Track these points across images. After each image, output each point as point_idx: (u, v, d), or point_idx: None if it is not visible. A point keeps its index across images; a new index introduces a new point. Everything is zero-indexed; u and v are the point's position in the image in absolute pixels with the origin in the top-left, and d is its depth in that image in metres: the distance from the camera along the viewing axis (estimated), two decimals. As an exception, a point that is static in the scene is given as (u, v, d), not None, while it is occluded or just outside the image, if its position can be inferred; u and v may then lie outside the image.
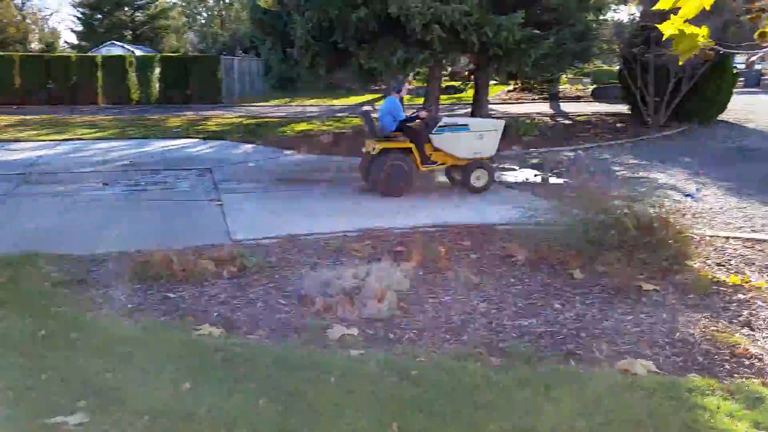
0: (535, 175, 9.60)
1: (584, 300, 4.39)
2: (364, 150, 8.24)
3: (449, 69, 25.67)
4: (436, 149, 8.04)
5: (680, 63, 3.45)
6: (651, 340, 3.73)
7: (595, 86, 26.91)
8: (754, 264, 5.20)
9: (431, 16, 9.99)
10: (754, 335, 3.83)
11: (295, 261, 5.16)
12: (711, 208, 7.29)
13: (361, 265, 4.71)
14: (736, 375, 3.33)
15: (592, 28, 13.34)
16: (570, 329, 3.88)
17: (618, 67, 22.13)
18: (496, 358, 3.49)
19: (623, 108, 17.88)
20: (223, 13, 42.46)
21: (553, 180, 9.23)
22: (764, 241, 5.88)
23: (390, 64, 11.45)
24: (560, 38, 11.62)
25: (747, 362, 3.45)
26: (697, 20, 2.53)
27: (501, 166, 10.11)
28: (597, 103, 22.73)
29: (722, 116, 16.72)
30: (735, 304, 4.29)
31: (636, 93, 15.64)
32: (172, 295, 4.37)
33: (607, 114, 18.79)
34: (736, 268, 5.10)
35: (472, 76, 15.56)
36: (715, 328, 3.89)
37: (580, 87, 29.29)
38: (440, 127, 8.04)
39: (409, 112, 8.39)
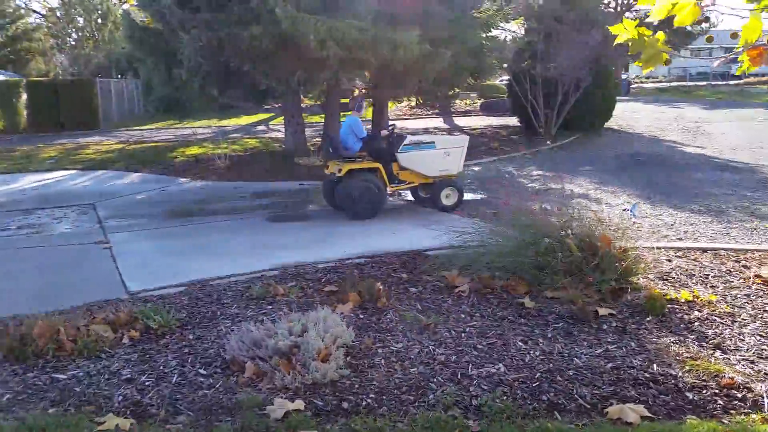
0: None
1: (544, 332, 3.99)
2: (327, 172, 7.89)
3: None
4: (403, 168, 7.85)
5: (644, 72, 3.16)
6: (630, 377, 3.37)
7: (482, 100, 27.62)
8: (693, 275, 5.08)
9: (326, 33, 9.47)
10: (729, 359, 3.58)
11: (210, 315, 4.38)
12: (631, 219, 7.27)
13: (292, 314, 4.03)
14: (732, 411, 3.03)
15: (484, 44, 13.47)
16: (542, 372, 3.44)
17: (504, 82, 22.92)
18: (474, 421, 2.97)
19: (513, 120, 18.35)
20: (96, 33, 39.59)
21: (473, 196, 8.98)
22: (695, 249, 5.84)
23: (289, 83, 10.82)
24: (456, 55, 11.54)
25: (738, 394, 3.16)
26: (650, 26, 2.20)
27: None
28: (487, 117, 23.25)
29: (608, 124, 17.56)
30: (696, 323, 4.07)
31: (527, 105, 16.01)
32: (61, 377, 3.46)
33: (500, 127, 19.20)
34: (680, 281, 4.94)
35: (370, 93, 15.23)
36: (689, 355, 3.61)
37: (469, 101, 30.00)
38: (406, 145, 7.79)
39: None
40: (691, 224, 7.00)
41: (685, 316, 4.19)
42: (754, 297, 4.53)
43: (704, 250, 5.78)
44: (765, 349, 3.69)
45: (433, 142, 7.96)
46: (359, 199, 7.45)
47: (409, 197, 8.77)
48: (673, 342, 3.80)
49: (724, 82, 37.82)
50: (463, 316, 4.30)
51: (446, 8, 11.61)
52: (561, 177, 10.39)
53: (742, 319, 4.14)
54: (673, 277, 5.04)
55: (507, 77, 18.72)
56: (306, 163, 12.13)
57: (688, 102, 26.84)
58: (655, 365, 3.49)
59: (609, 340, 3.87)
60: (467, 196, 8.84)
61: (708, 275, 5.07)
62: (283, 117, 15.32)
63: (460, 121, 22.58)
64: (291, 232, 7.13)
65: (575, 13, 15.16)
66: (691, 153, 13.16)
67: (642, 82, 41.70)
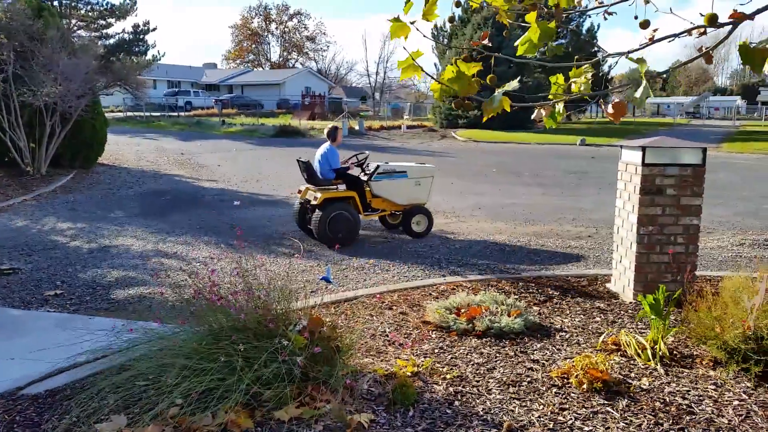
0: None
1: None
2: (299, 198, 7.98)
3: None
4: (375, 196, 7.99)
5: (435, 96, 2.48)
6: None
7: None
8: (385, 335, 4.53)
9: None
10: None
11: None
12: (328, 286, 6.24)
13: None
14: None
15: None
16: None
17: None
18: None
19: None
20: None
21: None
22: (345, 300, 5.35)
23: None
24: None
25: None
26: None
27: None
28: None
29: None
30: (437, 409, 3.52)
31: (5, 138, 12.74)
32: None
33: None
34: (376, 346, 4.33)
35: None
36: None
37: None
38: (379, 174, 7.98)
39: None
40: (303, 271, 6.55)
41: (442, 400, 3.59)
42: (450, 348, 4.31)
43: (350, 300, 5.37)
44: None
45: (405, 172, 8.09)
46: (335, 228, 7.45)
47: None
48: (462, 436, 3.15)
49: (176, 114, 39.90)
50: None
51: None
52: (97, 229, 8.43)
53: (477, 381, 3.82)
54: (381, 339, 4.38)
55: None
56: None
57: (156, 133, 27.04)
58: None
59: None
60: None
61: (386, 331, 4.61)
62: None
63: None
64: None
65: (55, 32, 12.83)
66: (212, 188, 12.89)
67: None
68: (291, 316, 3.68)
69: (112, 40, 29.97)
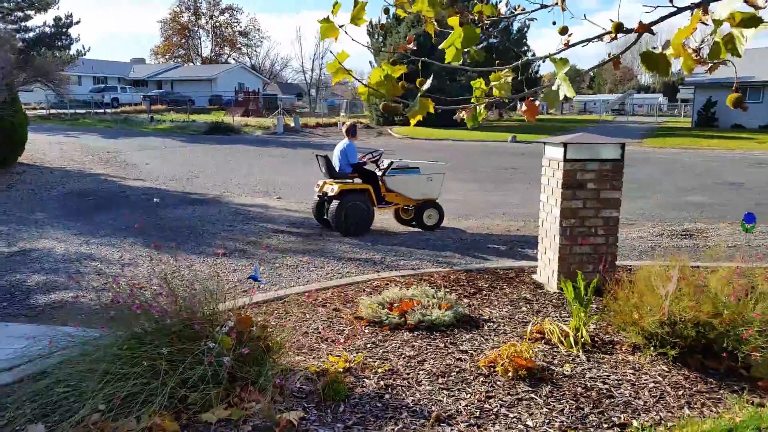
0: None
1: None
2: (317, 190, 8.41)
3: None
4: (389, 190, 8.41)
5: (363, 99, 2.56)
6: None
7: None
8: (318, 332, 4.53)
9: None
10: None
11: None
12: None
13: None
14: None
15: None
16: None
17: None
18: None
19: None
20: None
21: None
22: (274, 299, 5.30)
23: None
24: None
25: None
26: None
27: None
28: None
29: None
30: (368, 403, 3.56)
31: None
32: None
33: None
34: (321, 339, 4.31)
35: None
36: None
37: None
38: (393, 169, 8.41)
39: None
40: (235, 270, 6.44)
41: (373, 394, 3.62)
42: (382, 342, 4.36)
43: (282, 299, 5.33)
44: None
45: (418, 168, 8.55)
46: (349, 217, 7.97)
47: None
48: None
49: (102, 111, 38.38)
50: None
51: None
52: (34, 232, 8.02)
53: (408, 373, 3.87)
54: (313, 336, 4.37)
55: None
56: None
57: (81, 131, 25.90)
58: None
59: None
60: None
61: (318, 328, 4.61)
62: None
63: None
64: None
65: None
66: (139, 187, 12.47)
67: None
68: (219, 317, 3.63)
69: (32, 34, 28.41)
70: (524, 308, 5.05)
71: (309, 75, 66.54)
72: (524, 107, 2.39)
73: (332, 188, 8.05)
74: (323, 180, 8.40)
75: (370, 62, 43.12)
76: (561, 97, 2.27)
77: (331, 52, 2.51)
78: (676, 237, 8.25)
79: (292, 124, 31.58)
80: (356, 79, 2.51)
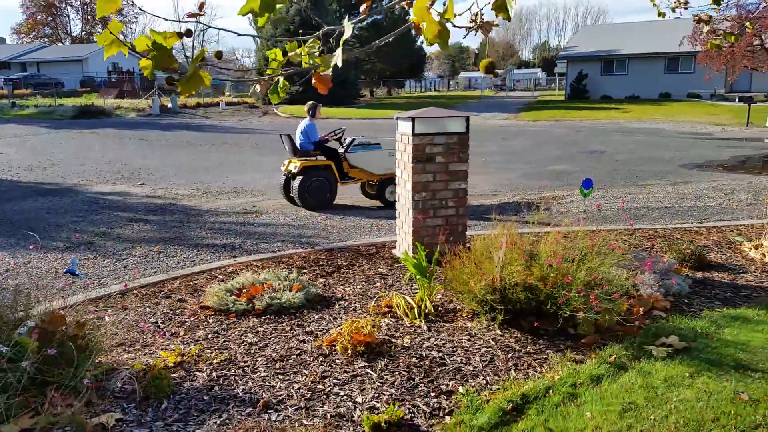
0: None
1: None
2: (283, 169, 8.68)
3: None
4: (352, 167, 8.66)
5: (146, 74, 2.42)
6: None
7: None
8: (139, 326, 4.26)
9: None
10: None
11: None
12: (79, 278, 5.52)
13: None
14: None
15: None
16: None
17: None
18: None
19: None
20: None
21: None
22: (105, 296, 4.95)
23: None
24: None
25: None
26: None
27: None
28: None
29: None
30: (194, 398, 3.41)
31: None
32: None
33: None
34: (158, 333, 4.06)
35: None
36: None
37: None
38: (354, 146, 8.69)
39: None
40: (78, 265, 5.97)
41: (202, 387, 3.45)
42: (225, 331, 4.20)
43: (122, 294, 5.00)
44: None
45: (379, 144, 8.74)
46: (312, 192, 8.32)
47: None
48: None
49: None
50: None
51: None
52: None
53: (245, 361, 3.74)
54: (134, 337, 4.11)
55: None
56: None
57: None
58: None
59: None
60: None
61: (158, 322, 4.37)
62: None
63: None
64: None
65: None
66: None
67: None
68: (27, 319, 3.32)
69: None
70: (378, 284, 5.06)
71: (190, 52, 63.53)
72: (314, 80, 2.29)
73: (295, 165, 8.40)
74: (288, 159, 8.72)
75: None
76: (332, 64, 2.20)
77: (103, 22, 2.28)
78: (534, 205, 8.64)
79: (170, 105, 30.07)
80: (133, 53, 2.30)
